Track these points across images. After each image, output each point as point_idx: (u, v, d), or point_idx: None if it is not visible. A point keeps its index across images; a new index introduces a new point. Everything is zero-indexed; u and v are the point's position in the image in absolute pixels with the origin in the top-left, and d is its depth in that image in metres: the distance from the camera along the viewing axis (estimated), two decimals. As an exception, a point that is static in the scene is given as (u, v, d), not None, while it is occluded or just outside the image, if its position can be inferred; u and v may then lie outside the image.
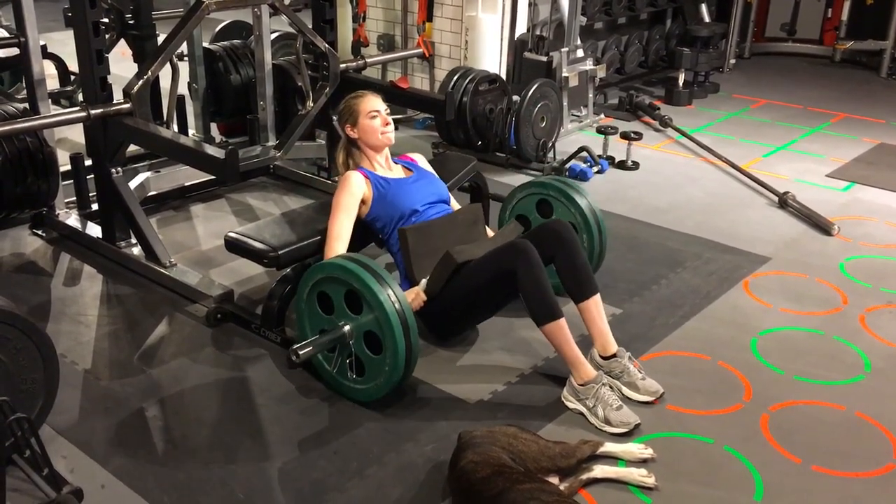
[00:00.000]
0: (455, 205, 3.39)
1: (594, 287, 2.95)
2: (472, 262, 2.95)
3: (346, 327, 2.75)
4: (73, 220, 4.06)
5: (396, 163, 3.36)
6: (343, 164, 3.29)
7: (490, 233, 3.33)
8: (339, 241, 3.04)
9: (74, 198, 4.13)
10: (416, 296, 3.00)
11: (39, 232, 4.08)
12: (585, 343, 2.97)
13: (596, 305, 2.95)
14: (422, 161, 3.46)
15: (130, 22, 4.35)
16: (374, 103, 3.23)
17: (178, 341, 3.22)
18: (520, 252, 2.79)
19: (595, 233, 3.42)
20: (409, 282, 3.12)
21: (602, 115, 6.11)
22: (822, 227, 4.30)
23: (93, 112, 3.51)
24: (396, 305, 2.66)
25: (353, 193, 3.11)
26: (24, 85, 4.12)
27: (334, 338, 2.76)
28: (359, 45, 5.96)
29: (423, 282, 3.02)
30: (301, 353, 2.69)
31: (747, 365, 3.11)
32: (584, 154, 4.99)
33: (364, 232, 3.24)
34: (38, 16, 3.79)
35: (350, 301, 2.75)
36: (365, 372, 2.79)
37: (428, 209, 3.20)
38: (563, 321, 2.77)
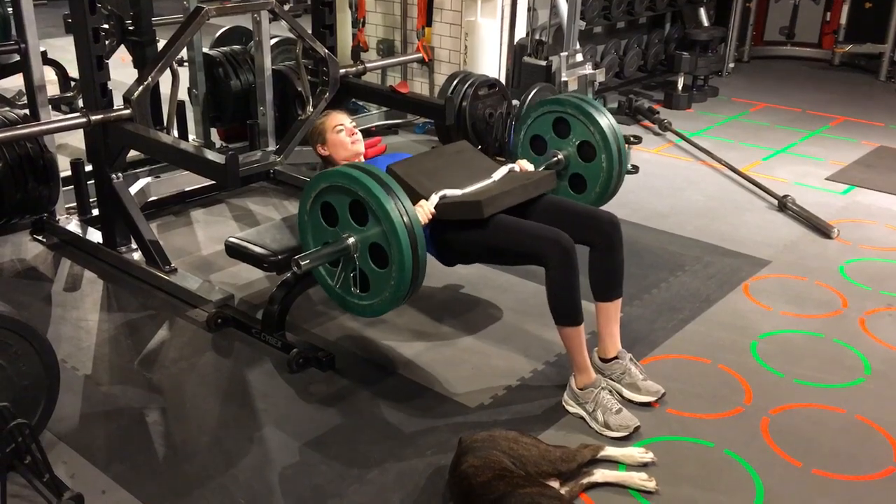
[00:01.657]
0: None
1: (621, 290, 2.94)
2: (505, 221, 2.81)
3: (351, 239, 2.63)
4: (73, 225, 4.06)
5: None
6: None
7: (501, 170, 3.12)
8: None
9: (75, 203, 4.14)
10: (423, 210, 2.81)
11: (40, 237, 4.09)
12: (588, 344, 2.97)
13: (616, 309, 2.94)
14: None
15: (130, 28, 4.36)
16: (337, 118, 3.28)
17: (179, 346, 3.22)
18: (562, 250, 2.68)
19: (615, 154, 3.24)
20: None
21: (601, 119, 6.10)
22: (822, 230, 4.30)
23: (93, 118, 3.51)
24: (404, 217, 2.52)
25: None
26: (24, 91, 4.12)
27: (338, 249, 2.63)
28: (358, 50, 5.97)
29: (434, 197, 2.84)
30: (303, 263, 2.57)
31: (747, 368, 3.12)
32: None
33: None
34: (38, 22, 3.79)
35: (355, 212, 2.62)
36: (370, 287, 2.67)
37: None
38: (581, 327, 2.76)
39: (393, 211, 2.51)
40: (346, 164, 2.81)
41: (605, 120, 3.26)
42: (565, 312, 2.74)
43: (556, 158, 3.33)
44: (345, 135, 3.24)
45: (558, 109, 3.34)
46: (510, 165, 3.13)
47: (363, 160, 3.35)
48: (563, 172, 3.35)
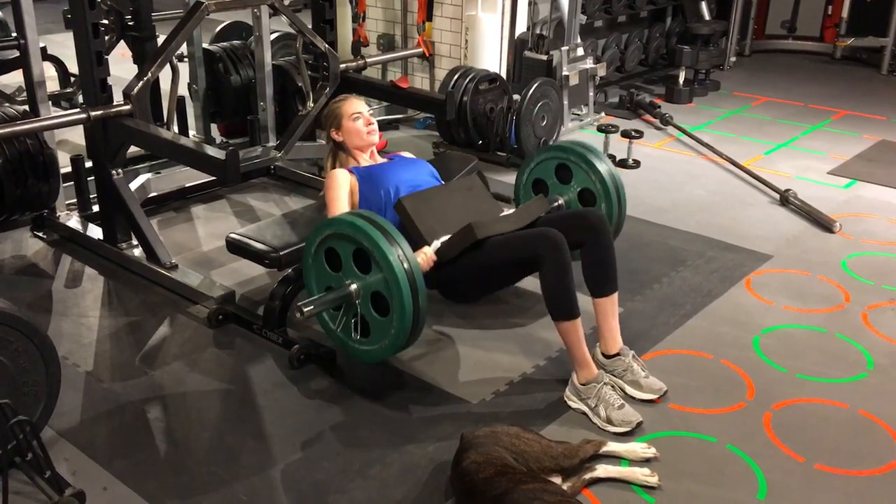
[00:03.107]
0: None
1: (615, 285, 2.94)
2: (494, 238, 2.87)
3: (353, 286, 2.69)
4: (73, 221, 4.06)
5: (383, 157, 3.38)
6: (331, 168, 3.32)
7: (506, 209, 3.25)
8: (340, 208, 3.02)
9: (75, 200, 4.13)
10: (425, 257, 2.89)
11: (40, 234, 4.08)
12: (589, 341, 2.97)
13: (613, 304, 2.94)
14: (407, 154, 3.47)
15: (130, 23, 4.35)
16: (356, 105, 3.27)
17: (180, 343, 3.22)
18: (552, 245, 2.72)
19: (615, 200, 3.33)
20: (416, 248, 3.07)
21: (603, 114, 6.10)
22: (824, 224, 4.30)
23: (93, 114, 3.50)
24: (405, 266, 2.58)
25: (340, 185, 3.11)
26: (24, 87, 4.11)
27: (340, 296, 2.69)
28: (359, 45, 5.95)
29: (436, 243, 2.92)
30: (305, 310, 2.63)
31: (750, 363, 3.11)
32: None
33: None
34: (37, 18, 3.78)
35: (358, 259, 2.68)
36: (370, 333, 2.73)
37: (417, 183, 3.16)
38: (579, 321, 2.76)
39: (395, 262, 2.57)
40: (351, 213, 2.81)
41: (605, 167, 3.35)
42: (561, 307, 2.74)
43: (557, 203, 3.40)
44: (362, 123, 3.24)
45: (561, 156, 3.44)
46: (514, 210, 3.20)
47: (376, 154, 3.34)
48: None
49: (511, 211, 3.18)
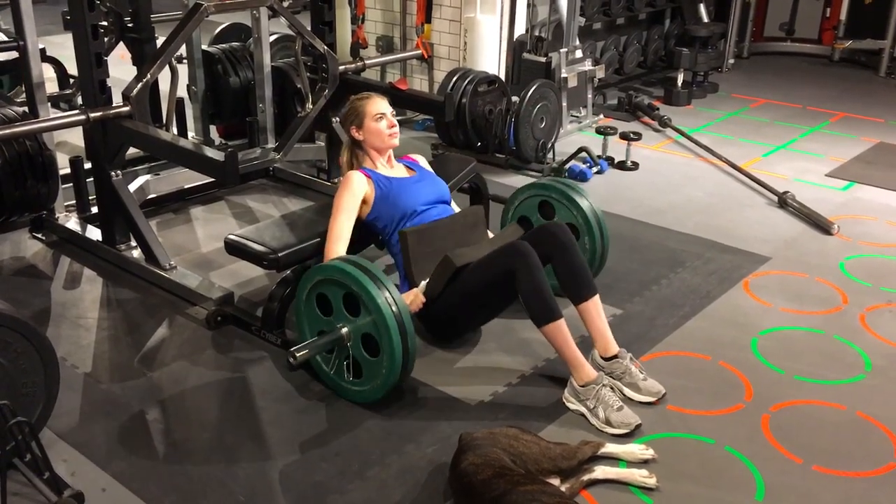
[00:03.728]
0: (455, 207, 3.39)
1: (593, 288, 2.95)
2: (471, 265, 2.95)
3: (344, 329, 2.76)
4: (72, 223, 4.06)
5: (399, 162, 3.36)
6: (347, 164, 3.32)
7: (491, 235, 3.33)
8: (339, 241, 3.04)
9: (74, 201, 4.13)
10: (414, 297, 3.00)
11: (39, 235, 4.08)
12: (586, 344, 2.98)
13: (595, 306, 2.94)
14: (423, 162, 3.47)
15: (129, 25, 4.35)
16: (380, 106, 3.24)
17: (179, 344, 3.22)
18: (518, 253, 2.80)
19: (597, 235, 3.41)
20: (408, 283, 3.12)
21: (601, 116, 6.11)
22: (822, 226, 4.30)
23: (92, 115, 3.51)
24: (394, 308, 2.66)
25: (354, 193, 3.11)
26: (23, 88, 4.11)
27: (332, 340, 2.76)
28: (358, 46, 5.96)
29: (423, 284, 3.02)
30: (298, 355, 2.71)
31: (748, 365, 3.11)
32: (584, 155, 4.99)
33: (364, 233, 3.24)
34: (36, 19, 3.78)
35: (348, 303, 2.76)
36: (363, 374, 2.79)
37: (429, 209, 3.20)
38: (562, 322, 2.77)
39: (383, 304, 2.66)
40: (340, 258, 2.85)
41: (586, 203, 3.43)
42: (540, 310, 2.77)
43: None
44: (385, 125, 3.22)
45: (543, 194, 3.53)
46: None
47: (393, 157, 3.33)
48: None
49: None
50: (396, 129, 3.26)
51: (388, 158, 3.30)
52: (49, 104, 3.97)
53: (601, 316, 2.96)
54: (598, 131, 5.18)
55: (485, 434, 2.42)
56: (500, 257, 2.87)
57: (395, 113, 3.29)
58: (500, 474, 2.23)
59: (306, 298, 2.88)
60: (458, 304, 3.01)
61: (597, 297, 2.95)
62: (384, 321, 2.64)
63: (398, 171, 3.31)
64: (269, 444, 2.66)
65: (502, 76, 5.58)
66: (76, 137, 4.76)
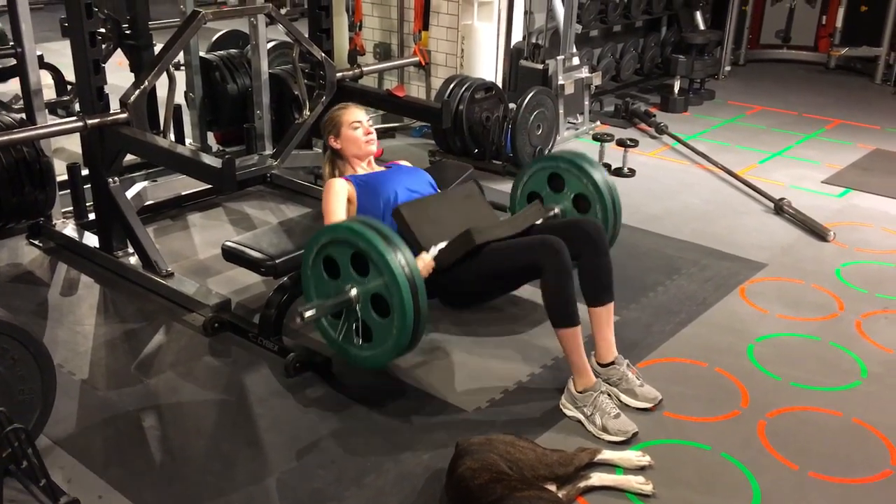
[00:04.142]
0: None
1: (611, 294, 2.95)
2: (493, 245, 2.88)
3: (353, 291, 2.70)
4: (70, 229, 4.06)
5: (380, 165, 3.39)
6: (329, 175, 3.33)
7: (502, 217, 3.24)
8: (337, 217, 3.04)
9: (71, 207, 4.13)
10: (423, 263, 2.89)
11: (36, 242, 4.08)
12: (585, 348, 2.98)
13: (608, 313, 2.95)
14: (404, 163, 3.49)
15: (127, 32, 4.36)
16: (355, 114, 3.28)
17: (176, 351, 3.22)
18: (553, 252, 2.73)
19: (609, 204, 3.32)
20: (415, 251, 3.07)
21: (598, 123, 6.12)
22: (818, 233, 4.31)
23: (90, 122, 3.51)
24: (405, 266, 2.59)
25: (337, 193, 3.12)
26: (20, 95, 4.11)
27: (340, 301, 2.70)
28: (355, 53, 5.98)
29: (434, 249, 2.93)
30: (306, 314, 2.64)
31: (744, 371, 3.12)
32: (581, 161, 4.99)
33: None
34: (34, 26, 3.79)
35: (357, 264, 2.69)
36: (372, 337, 2.73)
37: (413, 193, 3.17)
38: (579, 329, 2.77)
39: (393, 260, 2.58)
40: (347, 219, 2.82)
41: (598, 172, 3.37)
42: (562, 314, 2.75)
43: (552, 213, 3.38)
44: (361, 133, 3.25)
45: (551, 165, 3.46)
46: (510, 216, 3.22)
47: (373, 161, 3.35)
48: None
49: (508, 217, 3.20)
50: (373, 135, 3.29)
51: (369, 163, 3.33)
52: (46, 111, 3.98)
53: (610, 323, 2.96)
54: (595, 138, 5.19)
55: (482, 440, 2.42)
56: (530, 249, 2.80)
57: (371, 121, 3.33)
58: (497, 479, 2.23)
59: (313, 263, 2.81)
60: (473, 280, 2.96)
61: (612, 305, 2.95)
62: (394, 278, 2.56)
63: (377, 169, 3.35)
64: (266, 451, 2.66)
65: (499, 83, 5.59)
66: (74, 144, 4.76)
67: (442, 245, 2.95)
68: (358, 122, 3.26)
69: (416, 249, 2.95)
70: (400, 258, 2.60)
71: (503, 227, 3.00)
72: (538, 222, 3.12)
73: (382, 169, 3.36)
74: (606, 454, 2.57)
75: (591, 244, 2.93)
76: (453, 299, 3.16)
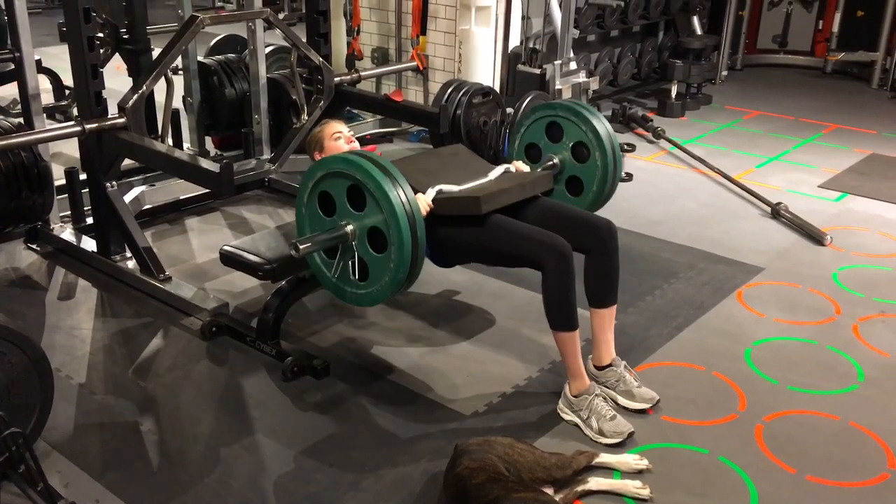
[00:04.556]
0: None
1: (616, 297, 2.95)
2: (501, 223, 2.82)
3: (349, 226, 2.64)
4: (67, 234, 4.06)
5: None
6: None
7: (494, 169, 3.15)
8: None
9: (69, 212, 4.13)
10: (421, 203, 2.79)
11: (34, 246, 4.08)
12: (585, 349, 2.98)
13: (611, 315, 2.95)
14: None
15: (125, 37, 4.37)
16: (335, 126, 3.32)
17: (174, 355, 3.22)
18: (559, 255, 2.70)
19: (609, 153, 3.22)
20: None
21: (595, 127, 6.12)
22: (815, 237, 4.32)
23: (88, 126, 3.52)
24: (402, 197, 2.52)
25: None
26: (18, 100, 4.12)
27: (336, 235, 2.63)
28: (353, 58, 5.99)
29: (431, 191, 2.85)
30: (301, 247, 2.58)
31: (741, 375, 3.12)
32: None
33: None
34: (32, 30, 3.80)
35: (353, 197, 2.62)
36: (368, 274, 2.67)
37: None
38: (577, 333, 2.77)
39: (391, 191, 2.50)
40: (344, 152, 2.81)
41: (597, 119, 3.27)
42: (562, 317, 2.75)
43: (551, 163, 3.31)
44: (343, 142, 3.28)
45: (549, 113, 3.35)
46: (506, 166, 3.15)
47: None
48: (559, 177, 3.36)
49: (501, 169, 3.10)
50: (355, 143, 3.31)
51: None
52: (44, 115, 3.98)
53: (612, 326, 2.97)
54: (593, 142, 5.19)
55: (480, 441, 2.43)
56: (537, 245, 2.74)
57: (352, 131, 3.34)
58: (495, 479, 2.23)
59: (308, 199, 2.73)
60: (471, 248, 2.91)
61: (615, 308, 2.96)
62: (392, 210, 2.49)
63: None
64: (264, 454, 2.66)
65: (497, 88, 5.61)
66: (71, 148, 4.76)
67: (443, 187, 2.87)
68: (339, 133, 3.29)
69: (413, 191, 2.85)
70: (399, 191, 2.53)
71: (510, 191, 2.91)
72: (545, 191, 3.08)
73: None
74: (604, 458, 2.57)
75: (601, 244, 2.91)
76: (442, 259, 3.06)
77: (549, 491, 2.39)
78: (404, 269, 2.56)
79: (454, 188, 2.91)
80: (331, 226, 2.69)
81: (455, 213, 2.84)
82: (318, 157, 3.31)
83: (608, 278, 2.94)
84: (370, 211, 2.58)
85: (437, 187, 2.87)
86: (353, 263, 2.67)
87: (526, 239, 2.78)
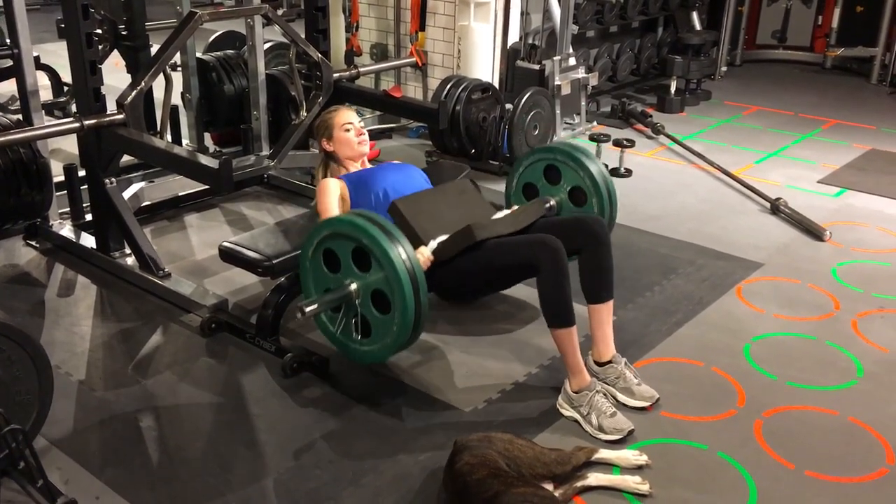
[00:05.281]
0: None
1: (612, 292, 2.96)
2: (493, 241, 2.89)
3: (353, 286, 2.69)
4: (66, 230, 4.06)
5: (373, 165, 3.41)
6: (323, 177, 3.34)
7: (499, 213, 3.23)
8: (332, 214, 3.03)
9: (68, 208, 4.13)
10: (423, 256, 2.90)
11: (33, 243, 4.08)
12: (584, 346, 2.98)
13: (608, 311, 2.96)
14: (397, 162, 3.50)
15: (124, 33, 4.36)
16: (347, 116, 3.30)
17: (173, 351, 3.22)
18: (550, 252, 2.73)
19: (605, 197, 3.32)
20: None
21: (594, 123, 6.13)
22: (814, 232, 4.32)
23: (86, 123, 3.51)
24: (406, 262, 2.59)
25: (331, 192, 3.14)
26: (17, 96, 4.11)
27: (341, 296, 2.69)
28: (352, 54, 5.98)
29: (432, 243, 2.94)
30: (307, 309, 2.64)
31: (740, 371, 3.13)
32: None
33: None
34: (31, 27, 3.79)
35: (358, 258, 2.68)
36: (371, 332, 2.73)
37: (406, 186, 3.18)
38: (574, 329, 2.77)
39: (396, 257, 2.57)
40: (349, 212, 2.83)
41: (595, 165, 3.36)
42: (557, 314, 2.75)
43: (548, 205, 3.37)
44: (353, 134, 3.28)
45: (548, 157, 3.45)
46: (506, 211, 3.21)
47: (367, 161, 3.37)
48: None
49: (506, 212, 3.19)
50: (365, 136, 3.32)
51: (362, 164, 3.35)
52: (43, 112, 3.97)
53: (610, 321, 2.97)
54: (592, 138, 5.20)
55: (480, 437, 2.43)
56: (529, 248, 2.79)
57: (363, 122, 3.34)
58: (495, 474, 2.23)
59: (312, 255, 2.80)
60: (469, 275, 2.97)
61: (612, 303, 2.96)
62: (396, 274, 2.56)
63: (369, 166, 3.36)
64: (264, 451, 2.66)
65: (496, 84, 5.60)
66: (70, 145, 4.76)
67: (441, 238, 2.95)
68: (350, 124, 3.28)
69: (416, 243, 2.94)
70: (402, 254, 2.59)
71: (504, 223, 3.00)
72: (539, 218, 3.13)
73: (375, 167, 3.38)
74: (603, 453, 2.58)
75: (594, 240, 2.93)
76: (450, 293, 3.15)
77: (549, 486, 2.39)
78: (406, 332, 2.64)
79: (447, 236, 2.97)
80: (334, 283, 2.75)
81: (456, 251, 2.90)
82: (325, 143, 3.30)
83: (602, 273, 2.94)
84: (375, 273, 2.64)
85: (438, 240, 2.94)
86: (357, 322, 2.72)
87: (518, 244, 2.85)
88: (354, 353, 2.80)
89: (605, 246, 2.94)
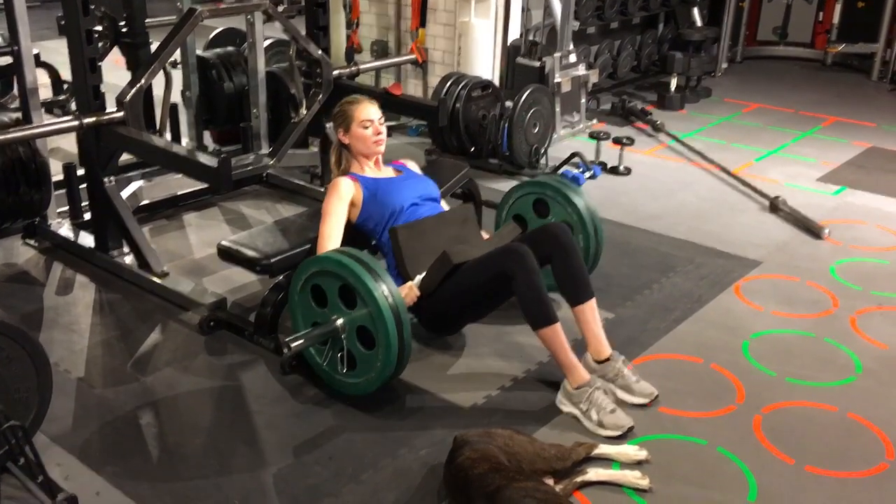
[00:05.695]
0: (445, 206, 3.40)
1: (590, 291, 2.97)
2: (468, 263, 2.95)
3: (339, 321, 2.75)
4: (65, 229, 4.06)
5: (388, 166, 3.38)
6: (336, 164, 3.34)
7: (485, 234, 3.34)
8: (329, 242, 3.05)
9: (67, 207, 4.13)
10: (409, 291, 2.98)
11: (32, 242, 4.08)
12: (579, 347, 2.98)
13: (591, 310, 2.96)
14: (413, 166, 3.48)
15: (124, 30, 4.35)
16: (368, 112, 3.23)
17: (172, 349, 3.22)
18: (517, 256, 2.80)
19: (591, 233, 3.41)
20: (402, 280, 3.12)
21: (595, 121, 6.13)
22: (813, 230, 4.32)
23: (86, 121, 3.51)
24: (390, 300, 2.66)
25: (341, 197, 3.13)
26: (16, 94, 4.11)
27: (326, 331, 2.76)
28: (352, 51, 5.97)
29: (418, 278, 3.02)
30: (293, 345, 2.70)
31: (739, 367, 3.13)
32: (577, 160, 5.00)
33: (354, 237, 3.24)
34: (30, 24, 3.79)
35: (344, 295, 2.75)
36: (356, 366, 2.79)
37: (418, 207, 3.20)
38: (558, 326, 2.78)
39: (380, 297, 2.65)
40: (336, 250, 2.87)
41: (582, 201, 3.43)
42: (538, 314, 2.78)
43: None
44: (371, 132, 3.22)
45: (538, 191, 3.52)
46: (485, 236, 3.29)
47: (381, 161, 3.33)
48: None
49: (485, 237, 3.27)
50: (383, 136, 3.25)
51: (376, 162, 3.31)
52: (43, 110, 3.97)
53: (596, 319, 2.97)
54: (592, 136, 5.20)
55: (481, 432, 2.44)
56: (497, 259, 2.87)
57: (384, 119, 3.28)
58: (496, 469, 2.24)
59: (300, 290, 2.87)
60: (452, 301, 3.01)
61: (593, 301, 2.97)
62: (380, 313, 2.63)
63: (386, 173, 3.33)
64: (263, 447, 2.66)
65: (496, 81, 5.60)
66: (69, 143, 4.76)
67: (421, 275, 3.03)
68: (369, 121, 3.21)
69: (403, 275, 3.06)
70: (386, 293, 2.66)
71: (479, 247, 3.06)
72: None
73: (390, 171, 3.35)
74: (603, 449, 2.58)
75: (559, 245, 2.97)
76: (435, 325, 3.17)
77: (550, 481, 2.39)
78: (390, 368, 2.72)
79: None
80: (321, 317, 2.83)
81: (437, 279, 2.97)
82: (341, 134, 3.25)
83: (576, 275, 2.96)
84: (360, 310, 2.71)
85: (421, 276, 3.02)
86: (343, 356, 2.79)
87: (488, 258, 2.91)
88: (340, 384, 2.86)
89: (571, 248, 2.98)
